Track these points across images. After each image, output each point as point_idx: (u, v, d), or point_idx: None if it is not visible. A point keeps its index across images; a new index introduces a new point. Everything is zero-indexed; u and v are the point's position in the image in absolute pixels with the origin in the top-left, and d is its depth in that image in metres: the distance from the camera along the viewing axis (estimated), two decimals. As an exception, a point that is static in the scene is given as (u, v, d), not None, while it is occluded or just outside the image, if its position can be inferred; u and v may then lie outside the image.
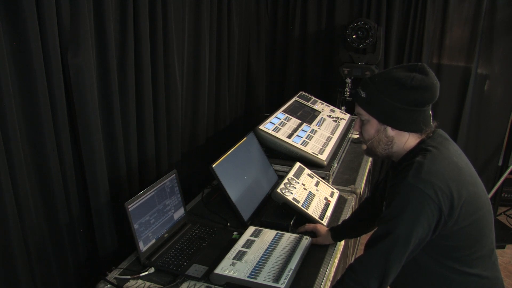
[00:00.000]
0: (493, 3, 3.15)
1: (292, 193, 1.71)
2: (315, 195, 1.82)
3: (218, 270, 1.36)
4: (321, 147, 2.20)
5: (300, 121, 2.40)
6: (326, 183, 1.98)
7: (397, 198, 1.11)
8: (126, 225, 1.45)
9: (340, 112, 2.86)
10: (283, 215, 1.73)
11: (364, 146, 1.28)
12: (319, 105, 2.81)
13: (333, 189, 1.96)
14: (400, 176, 1.14)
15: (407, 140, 1.21)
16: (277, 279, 1.31)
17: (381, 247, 1.10)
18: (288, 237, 1.56)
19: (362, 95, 1.21)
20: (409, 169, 1.12)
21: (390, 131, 1.20)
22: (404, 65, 1.21)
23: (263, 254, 1.45)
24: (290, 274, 1.33)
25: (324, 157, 2.10)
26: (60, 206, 1.44)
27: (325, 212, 1.75)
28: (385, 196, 1.24)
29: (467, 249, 1.16)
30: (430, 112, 1.21)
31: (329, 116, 2.68)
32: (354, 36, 3.07)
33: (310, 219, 1.68)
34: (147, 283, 1.37)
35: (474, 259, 1.18)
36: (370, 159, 2.54)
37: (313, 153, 2.10)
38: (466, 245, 1.16)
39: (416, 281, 1.23)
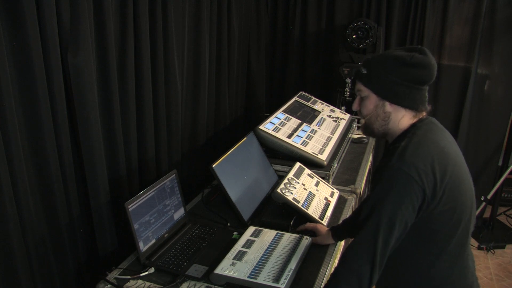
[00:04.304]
0: (493, 3, 3.15)
1: (292, 193, 1.71)
2: (315, 195, 1.82)
3: (218, 270, 1.36)
4: (321, 147, 2.20)
5: (300, 121, 2.40)
6: (326, 183, 1.98)
7: (382, 181, 1.13)
8: (126, 225, 1.45)
9: (340, 112, 2.86)
10: (283, 215, 1.73)
11: (363, 121, 1.31)
12: (319, 105, 2.81)
13: (333, 189, 1.96)
14: (385, 160, 1.16)
15: (403, 118, 1.24)
16: (277, 279, 1.31)
17: (368, 230, 1.12)
18: (288, 237, 1.56)
19: (363, 72, 1.25)
20: (393, 152, 1.15)
21: (388, 107, 1.23)
22: (403, 47, 1.26)
23: (263, 254, 1.45)
24: (290, 274, 1.33)
25: (324, 157, 2.10)
26: (60, 206, 1.44)
27: (325, 212, 1.75)
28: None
29: (445, 234, 1.18)
30: (427, 94, 1.24)
31: (329, 116, 2.68)
32: (354, 36, 3.07)
33: (310, 219, 1.68)
34: (147, 283, 1.37)
35: (451, 246, 1.19)
36: (370, 159, 2.54)
37: (313, 153, 2.10)
38: (444, 230, 1.17)
39: (394, 270, 1.24)
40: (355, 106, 1.31)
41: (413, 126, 1.23)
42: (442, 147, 1.18)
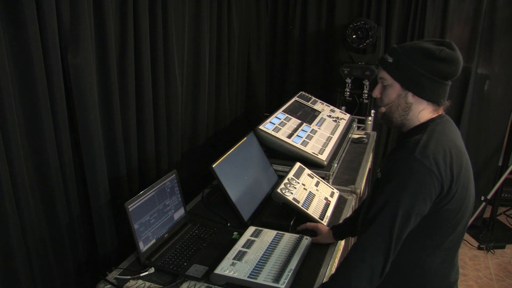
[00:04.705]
0: (493, 3, 3.14)
1: (292, 193, 1.71)
2: (315, 195, 1.82)
3: (218, 270, 1.36)
4: (321, 147, 2.20)
5: (300, 121, 2.40)
6: (326, 183, 1.98)
7: (400, 173, 1.12)
8: (126, 225, 1.45)
9: (340, 112, 2.86)
10: (283, 215, 1.73)
11: (383, 109, 1.29)
12: (319, 105, 2.81)
13: (333, 189, 1.96)
14: (405, 150, 1.15)
15: (423, 110, 1.23)
16: (277, 279, 1.31)
17: (384, 222, 1.11)
18: (288, 237, 1.56)
19: (389, 60, 1.23)
20: (415, 144, 1.14)
21: (410, 98, 1.22)
22: (431, 39, 1.25)
23: (263, 254, 1.45)
24: (290, 274, 1.33)
25: (324, 157, 2.10)
26: (60, 206, 1.44)
27: (325, 212, 1.75)
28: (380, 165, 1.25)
29: (445, 230, 1.19)
30: (448, 90, 1.24)
31: (329, 116, 2.68)
32: (354, 36, 3.07)
33: (310, 219, 1.68)
34: (147, 283, 1.37)
35: (447, 243, 1.21)
36: (370, 159, 2.54)
37: (313, 153, 2.10)
38: (445, 227, 1.18)
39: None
40: (376, 93, 1.29)
41: (432, 121, 1.23)
42: (459, 146, 1.19)
